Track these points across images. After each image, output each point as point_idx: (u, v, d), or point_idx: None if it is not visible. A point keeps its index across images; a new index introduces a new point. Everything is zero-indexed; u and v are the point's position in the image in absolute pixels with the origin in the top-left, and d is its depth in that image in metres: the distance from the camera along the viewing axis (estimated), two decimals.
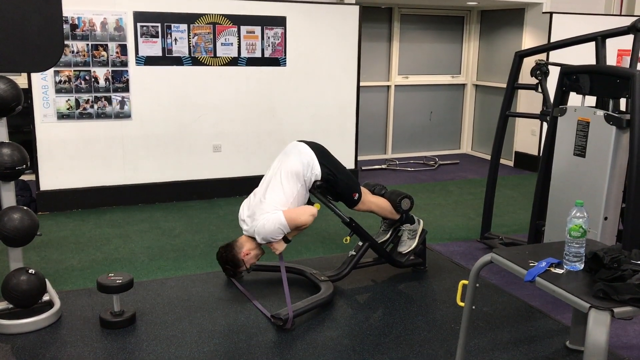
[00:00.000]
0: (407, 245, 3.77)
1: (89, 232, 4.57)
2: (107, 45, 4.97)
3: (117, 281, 3.07)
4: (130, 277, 3.12)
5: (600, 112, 3.26)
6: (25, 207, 3.10)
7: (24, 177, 4.96)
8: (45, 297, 3.22)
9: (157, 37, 5.10)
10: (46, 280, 3.23)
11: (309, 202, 3.57)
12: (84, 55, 4.92)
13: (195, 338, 2.99)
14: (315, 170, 3.30)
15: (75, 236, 4.46)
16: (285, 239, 3.22)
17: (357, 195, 3.49)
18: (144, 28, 5.05)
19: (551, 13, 6.46)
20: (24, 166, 3.05)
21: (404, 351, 2.89)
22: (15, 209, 3.06)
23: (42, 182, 4.99)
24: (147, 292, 3.51)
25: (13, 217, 3.00)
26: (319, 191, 3.41)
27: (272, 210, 3.16)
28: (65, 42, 4.74)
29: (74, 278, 3.71)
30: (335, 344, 2.96)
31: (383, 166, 6.95)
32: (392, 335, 3.04)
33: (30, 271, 3.09)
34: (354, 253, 3.62)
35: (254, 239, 3.25)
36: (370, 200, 3.60)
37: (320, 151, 3.38)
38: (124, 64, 5.05)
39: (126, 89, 5.10)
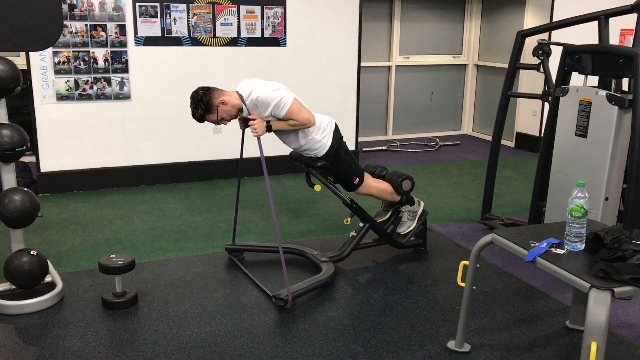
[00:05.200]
0: (406, 226, 3.78)
1: (90, 213, 4.58)
2: (105, 25, 4.93)
3: (119, 262, 3.08)
4: (131, 258, 3.13)
5: (603, 92, 3.24)
6: (26, 189, 3.10)
7: (24, 159, 4.97)
8: (47, 279, 3.24)
9: (156, 17, 5.06)
10: (48, 261, 3.24)
11: (310, 184, 3.58)
12: (83, 36, 4.88)
13: (197, 318, 3.01)
14: (326, 140, 3.30)
15: (76, 218, 4.47)
16: (268, 126, 3.17)
17: (357, 180, 3.49)
18: (143, 8, 5.00)
19: None
20: (24, 147, 3.05)
21: (405, 331, 2.91)
22: (16, 190, 3.06)
23: (42, 164, 4.98)
24: (149, 273, 3.52)
25: (14, 199, 3.01)
26: (319, 172, 3.40)
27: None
28: (64, 23, 4.70)
29: (75, 259, 3.72)
30: (336, 323, 2.98)
31: (384, 147, 6.93)
32: (393, 315, 3.06)
33: (32, 252, 3.10)
34: (355, 234, 3.63)
35: (241, 100, 3.18)
36: (371, 185, 3.60)
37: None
38: (123, 44, 5.01)
39: (125, 69, 5.06)
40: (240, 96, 3.20)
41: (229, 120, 3.26)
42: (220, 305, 3.15)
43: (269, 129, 3.18)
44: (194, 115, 3.21)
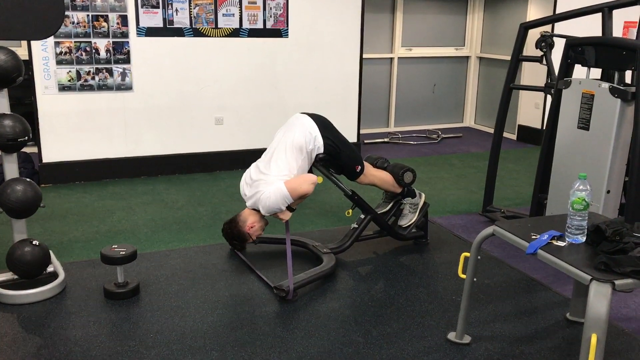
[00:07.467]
0: (408, 218, 3.79)
1: (92, 204, 4.58)
2: (107, 15, 4.91)
3: (121, 253, 3.08)
4: (133, 248, 3.14)
5: (605, 85, 3.24)
6: (28, 179, 3.11)
7: (26, 149, 4.98)
8: (50, 269, 3.25)
9: (158, 7, 5.05)
10: (50, 251, 3.25)
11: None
12: (85, 26, 4.87)
13: (198, 309, 3.02)
14: (317, 143, 3.29)
15: (78, 208, 4.48)
16: (289, 208, 3.24)
17: (359, 167, 3.49)
18: None
19: None
20: (26, 138, 3.05)
21: (405, 322, 2.92)
22: (18, 180, 3.06)
23: (44, 154, 4.99)
24: (151, 263, 3.53)
25: (16, 189, 3.01)
26: (321, 164, 3.40)
27: (274, 182, 3.16)
28: (65, 13, 4.69)
29: (77, 250, 3.73)
30: (337, 314, 2.99)
31: (386, 139, 6.92)
32: (394, 307, 3.07)
33: (34, 242, 3.11)
34: (356, 226, 3.64)
35: (257, 211, 3.26)
36: (373, 174, 3.60)
37: (322, 123, 3.37)
38: (125, 35, 5.00)
39: (127, 60, 5.06)
40: (254, 210, 3.30)
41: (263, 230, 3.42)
42: (221, 296, 3.16)
43: (291, 209, 3.27)
44: (236, 249, 3.53)
